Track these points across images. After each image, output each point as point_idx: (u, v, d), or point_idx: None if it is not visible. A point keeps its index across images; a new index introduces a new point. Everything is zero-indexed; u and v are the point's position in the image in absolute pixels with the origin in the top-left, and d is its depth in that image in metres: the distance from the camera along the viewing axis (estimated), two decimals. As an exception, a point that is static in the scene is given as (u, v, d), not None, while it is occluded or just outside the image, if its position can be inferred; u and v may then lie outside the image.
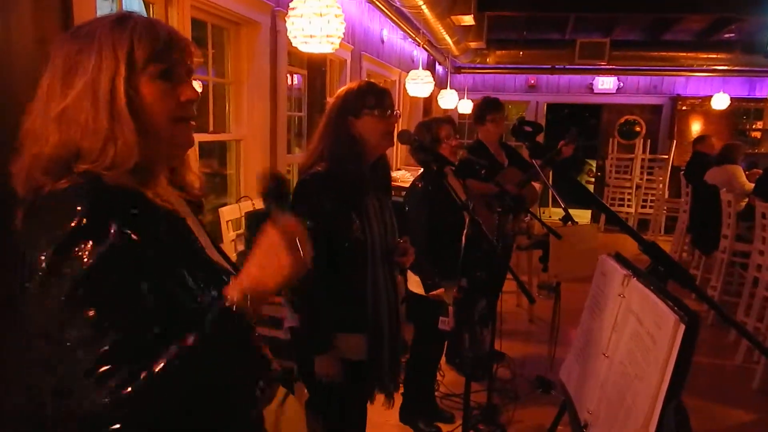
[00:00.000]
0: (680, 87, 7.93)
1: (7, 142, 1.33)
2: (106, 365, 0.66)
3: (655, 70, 7.66)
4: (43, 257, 0.70)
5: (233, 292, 0.75)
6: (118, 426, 0.67)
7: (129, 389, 0.66)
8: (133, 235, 0.73)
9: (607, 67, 7.29)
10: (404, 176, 4.65)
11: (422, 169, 2.53)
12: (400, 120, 2.63)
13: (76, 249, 0.69)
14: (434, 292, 2.33)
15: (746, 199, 4.45)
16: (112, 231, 0.71)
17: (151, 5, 2.25)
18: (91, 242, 0.70)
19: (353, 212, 1.60)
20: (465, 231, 1.89)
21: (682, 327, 0.78)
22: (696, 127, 7.72)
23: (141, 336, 0.70)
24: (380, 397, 1.79)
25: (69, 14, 1.52)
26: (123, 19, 0.81)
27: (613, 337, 1.03)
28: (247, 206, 2.71)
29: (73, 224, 0.70)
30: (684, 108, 7.78)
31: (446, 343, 3.03)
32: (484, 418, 2.61)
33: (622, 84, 8.13)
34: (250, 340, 0.80)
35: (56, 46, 0.81)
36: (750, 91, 7.77)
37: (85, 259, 0.69)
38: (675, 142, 7.54)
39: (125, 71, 0.78)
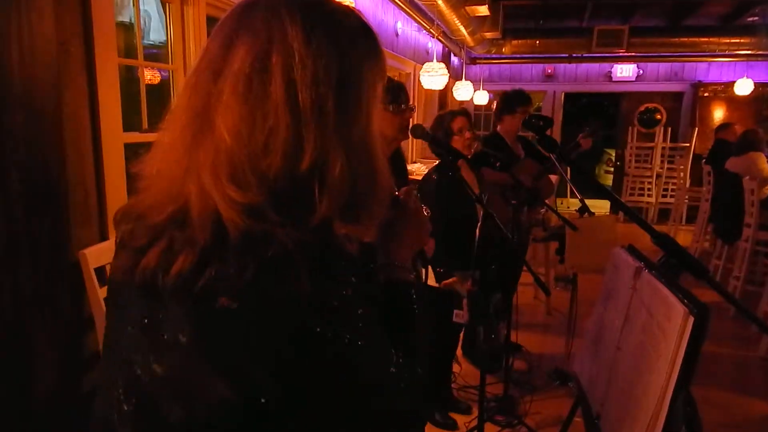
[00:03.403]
0: (702, 73, 7.75)
1: (33, 140, 1.39)
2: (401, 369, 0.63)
3: (676, 57, 7.49)
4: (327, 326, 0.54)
5: (399, 273, 0.74)
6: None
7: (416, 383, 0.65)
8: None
9: (626, 54, 7.16)
10: (419, 169, 4.66)
11: (438, 161, 2.54)
12: (416, 113, 2.64)
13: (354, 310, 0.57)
14: (446, 282, 2.34)
15: (769, 188, 4.36)
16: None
17: (167, 4, 2.28)
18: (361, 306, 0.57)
19: None
20: (479, 224, 1.90)
21: (691, 319, 0.78)
22: (718, 114, 7.55)
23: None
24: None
25: (88, 17, 1.56)
26: (372, 31, 0.65)
27: (625, 329, 1.04)
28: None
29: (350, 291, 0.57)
30: (706, 95, 7.61)
31: (462, 334, 3.05)
32: (501, 409, 2.63)
33: (641, 71, 7.97)
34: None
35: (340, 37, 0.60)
36: (775, 76, 7.57)
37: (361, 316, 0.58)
38: (696, 129, 7.39)
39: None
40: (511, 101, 3.22)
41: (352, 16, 0.63)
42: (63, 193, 1.49)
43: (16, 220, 1.35)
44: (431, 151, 2.38)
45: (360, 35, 0.62)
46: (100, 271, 1.56)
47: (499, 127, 3.27)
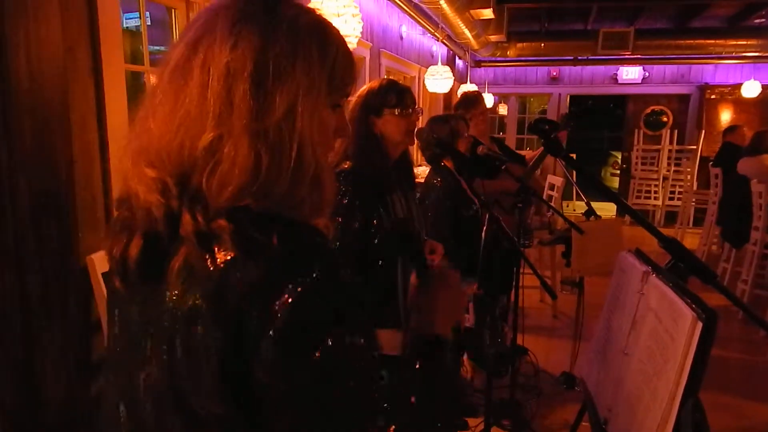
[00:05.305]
0: (708, 75, 7.71)
1: (42, 146, 1.40)
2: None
3: (682, 59, 7.46)
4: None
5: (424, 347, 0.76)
6: None
7: None
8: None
9: (632, 56, 7.14)
10: (425, 172, 4.65)
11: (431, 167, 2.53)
12: (421, 116, 2.65)
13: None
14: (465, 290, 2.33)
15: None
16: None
17: (173, 9, 2.30)
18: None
19: (381, 209, 1.62)
20: (484, 228, 1.90)
21: (700, 324, 0.78)
22: (725, 117, 7.50)
23: None
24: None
25: (95, 23, 1.57)
26: (323, 24, 0.66)
27: (633, 334, 1.03)
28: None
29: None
30: (713, 97, 7.57)
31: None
32: (508, 413, 2.61)
33: (647, 73, 7.94)
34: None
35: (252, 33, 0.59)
36: (782, 77, 7.52)
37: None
38: (703, 132, 7.35)
39: (325, 92, 0.64)
40: (459, 106, 3.28)
41: (306, 14, 0.64)
42: (70, 198, 1.50)
43: (24, 224, 1.36)
44: (424, 156, 2.36)
45: (301, 31, 0.62)
46: (107, 275, 1.56)
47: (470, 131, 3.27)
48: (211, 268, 0.54)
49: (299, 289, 0.53)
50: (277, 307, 0.53)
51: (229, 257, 0.54)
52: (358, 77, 0.72)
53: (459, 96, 3.44)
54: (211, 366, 0.53)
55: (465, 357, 3.06)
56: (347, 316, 0.58)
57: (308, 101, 0.60)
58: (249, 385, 0.54)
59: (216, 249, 0.55)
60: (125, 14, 2.80)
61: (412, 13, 4.82)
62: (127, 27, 2.80)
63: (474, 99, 3.25)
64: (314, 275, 0.55)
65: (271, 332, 0.53)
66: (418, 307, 0.80)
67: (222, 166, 0.57)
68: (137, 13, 2.07)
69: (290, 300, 0.53)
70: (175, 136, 0.59)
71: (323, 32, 0.64)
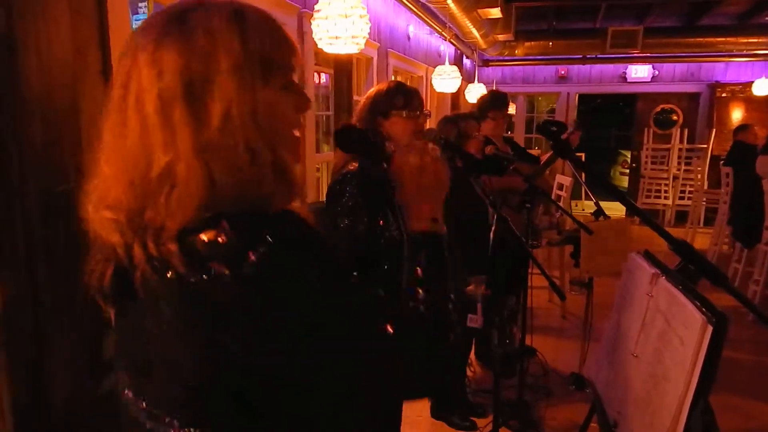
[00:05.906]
0: (719, 73, 7.64)
1: (51, 147, 1.41)
2: None
3: (692, 57, 7.39)
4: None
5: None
6: None
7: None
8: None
9: (641, 55, 7.08)
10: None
11: None
12: (429, 119, 2.63)
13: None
14: (468, 288, 2.32)
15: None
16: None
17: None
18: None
19: (388, 210, 1.62)
20: (492, 228, 1.89)
21: (710, 328, 0.77)
22: (736, 115, 7.42)
23: None
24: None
25: (105, 25, 1.58)
26: (239, 14, 0.63)
27: (642, 336, 1.02)
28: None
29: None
30: (723, 95, 7.49)
31: (474, 338, 3.03)
32: (516, 414, 2.60)
33: (657, 72, 7.87)
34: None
35: (168, 53, 0.59)
36: (795, 75, 7.42)
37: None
38: (714, 130, 7.28)
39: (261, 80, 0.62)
40: (483, 106, 3.19)
41: (218, 11, 0.62)
42: (80, 200, 1.51)
43: (34, 227, 1.37)
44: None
45: (217, 31, 0.60)
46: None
47: (483, 130, 3.20)
48: (172, 273, 0.57)
49: (271, 265, 0.56)
50: (250, 292, 0.55)
51: (184, 269, 0.56)
52: (296, 46, 0.69)
53: (486, 93, 3.40)
54: (198, 343, 0.57)
55: (473, 356, 3.05)
56: (332, 295, 0.61)
57: (244, 96, 0.60)
58: (248, 382, 0.57)
59: (171, 267, 0.57)
60: (134, 15, 2.83)
61: (419, 13, 4.81)
62: (135, 28, 2.82)
63: (503, 101, 3.20)
64: (294, 251, 0.59)
65: (242, 309, 0.56)
66: (404, 205, 0.82)
67: (177, 188, 0.58)
68: (146, 14, 2.08)
69: (262, 278, 0.55)
70: (124, 173, 0.60)
71: (240, 22, 0.62)
